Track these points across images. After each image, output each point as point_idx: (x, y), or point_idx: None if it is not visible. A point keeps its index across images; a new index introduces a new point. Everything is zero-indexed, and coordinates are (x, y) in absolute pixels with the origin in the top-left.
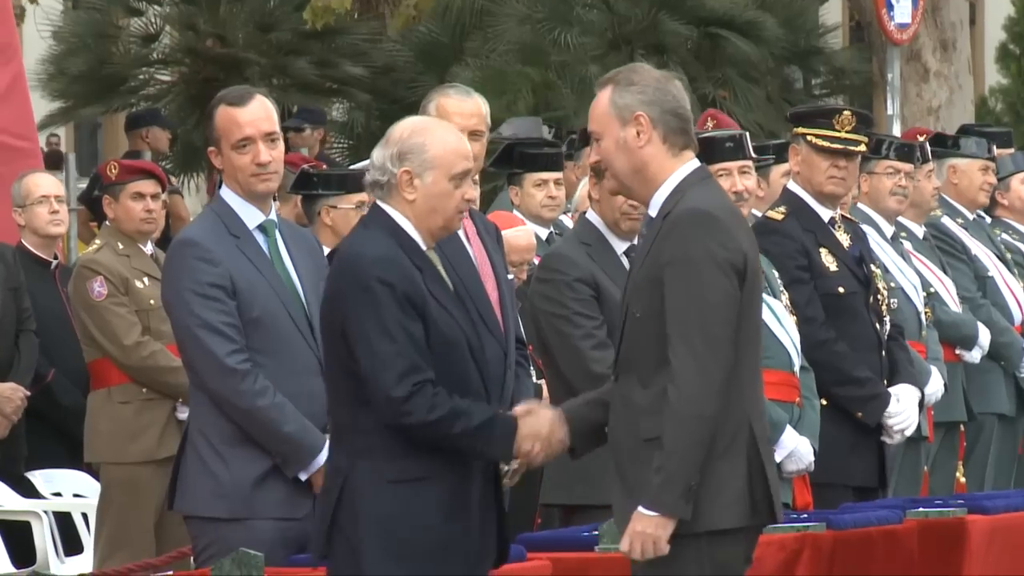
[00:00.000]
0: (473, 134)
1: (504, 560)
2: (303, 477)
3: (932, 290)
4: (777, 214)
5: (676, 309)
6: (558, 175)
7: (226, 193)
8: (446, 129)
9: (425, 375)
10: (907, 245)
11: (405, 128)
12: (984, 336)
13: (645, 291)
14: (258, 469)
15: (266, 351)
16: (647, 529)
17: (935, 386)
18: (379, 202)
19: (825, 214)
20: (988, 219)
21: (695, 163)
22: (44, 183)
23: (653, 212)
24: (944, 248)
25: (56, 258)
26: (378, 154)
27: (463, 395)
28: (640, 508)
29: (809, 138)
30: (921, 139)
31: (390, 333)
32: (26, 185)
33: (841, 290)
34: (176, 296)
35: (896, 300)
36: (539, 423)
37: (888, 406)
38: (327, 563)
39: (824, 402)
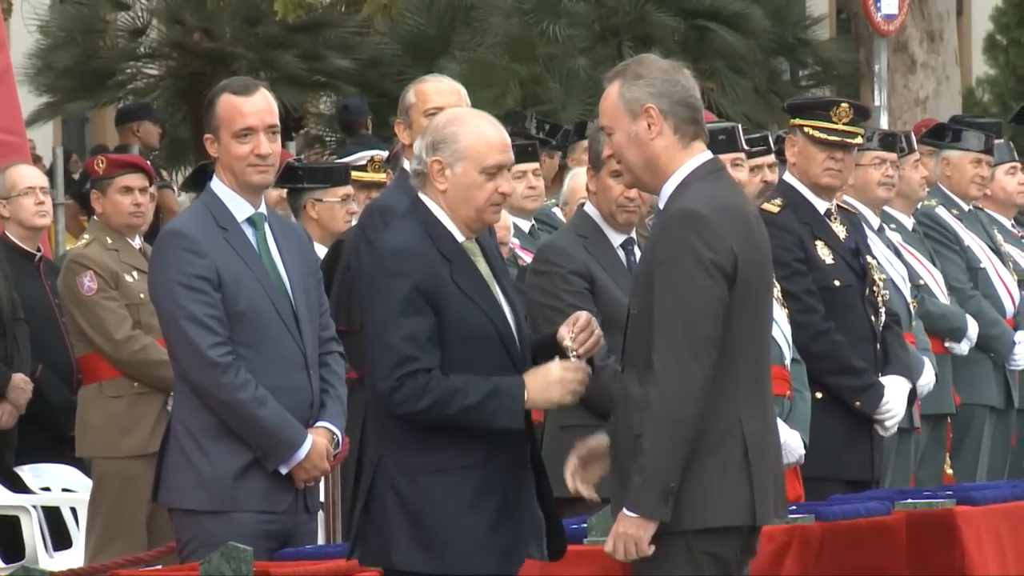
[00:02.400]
0: None
1: (559, 554)
2: (284, 471)
3: (921, 282)
4: (773, 206)
5: (660, 310)
6: (535, 166)
7: (216, 185)
8: (483, 120)
9: (416, 365)
10: (897, 237)
11: (441, 118)
12: (973, 328)
13: (641, 288)
14: (239, 462)
15: (251, 344)
16: (628, 530)
17: (927, 378)
18: (419, 192)
19: (821, 206)
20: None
21: (706, 155)
22: (29, 175)
23: (661, 204)
24: (936, 238)
25: (39, 250)
26: (417, 144)
27: None
28: (624, 509)
29: (806, 129)
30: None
31: (389, 325)
32: (11, 177)
33: (837, 283)
34: (162, 287)
35: (887, 292)
36: (545, 369)
37: (883, 396)
38: (359, 554)
39: (819, 395)
